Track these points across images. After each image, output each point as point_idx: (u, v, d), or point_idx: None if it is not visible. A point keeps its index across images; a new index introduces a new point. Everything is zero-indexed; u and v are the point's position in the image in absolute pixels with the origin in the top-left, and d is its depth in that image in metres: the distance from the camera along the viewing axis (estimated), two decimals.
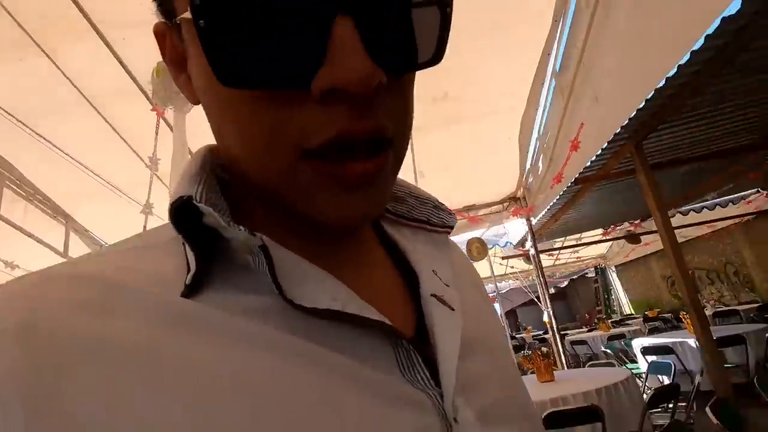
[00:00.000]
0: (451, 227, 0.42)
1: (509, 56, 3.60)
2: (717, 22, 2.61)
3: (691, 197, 6.47)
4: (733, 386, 3.14)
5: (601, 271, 14.19)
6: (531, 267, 7.00)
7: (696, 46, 2.63)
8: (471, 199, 5.68)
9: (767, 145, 4.57)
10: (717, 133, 4.35)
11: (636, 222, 7.64)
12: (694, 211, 7.53)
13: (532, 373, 3.36)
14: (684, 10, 2.06)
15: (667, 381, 4.43)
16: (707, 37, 2.60)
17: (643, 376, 4.10)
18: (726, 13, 2.48)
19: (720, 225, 8.39)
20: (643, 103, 3.18)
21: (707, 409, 1.76)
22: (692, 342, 4.30)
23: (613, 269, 13.72)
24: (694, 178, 5.80)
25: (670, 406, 2.59)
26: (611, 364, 4.53)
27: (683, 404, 2.93)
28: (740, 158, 4.78)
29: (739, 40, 2.62)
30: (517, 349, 8.07)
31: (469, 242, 5.43)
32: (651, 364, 4.03)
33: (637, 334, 7.36)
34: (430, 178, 4.98)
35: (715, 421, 1.69)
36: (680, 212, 7.39)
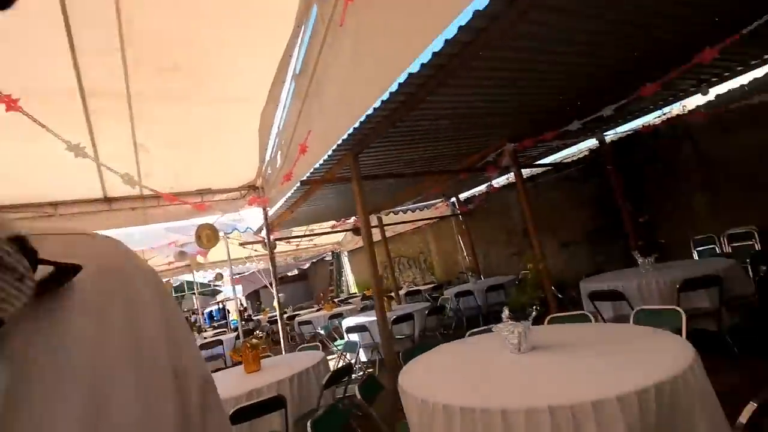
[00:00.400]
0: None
1: (256, 46, 3.52)
2: (417, 65, 3.28)
3: (399, 201, 8.05)
4: (399, 353, 4.10)
5: (336, 256, 16.01)
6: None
7: (393, 88, 3.22)
8: (206, 183, 5.35)
9: (447, 172, 6.09)
10: (413, 156, 5.53)
11: (354, 218, 8.98)
12: (402, 211, 9.44)
13: None
14: (387, 53, 2.47)
15: (362, 357, 5.41)
16: (403, 81, 3.22)
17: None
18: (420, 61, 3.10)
19: (420, 224, 10.84)
20: (359, 124, 3.67)
21: (356, 387, 2.20)
22: None
23: (346, 254, 15.73)
24: (400, 187, 7.24)
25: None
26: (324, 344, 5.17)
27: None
28: (429, 177, 6.24)
29: (426, 87, 3.35)
30: (249, 332, 8.19)
31: (199, 228, 5.11)
32: (346, 343, 4.82)
33: (353, 312, 8.66)
34: (158, 155, 4.41)
35: (358, 396, 2.13)
36: (393, 211, 9.12)
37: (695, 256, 5.88)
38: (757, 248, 5.21)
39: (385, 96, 3.35)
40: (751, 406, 1.25)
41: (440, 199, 10.05)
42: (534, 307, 2.21)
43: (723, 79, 5.44)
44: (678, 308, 2.51)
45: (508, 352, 2.23)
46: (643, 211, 6.74)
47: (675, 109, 6.10)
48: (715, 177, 5.87)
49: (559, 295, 4.87)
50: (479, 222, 9.86)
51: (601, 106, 3.90)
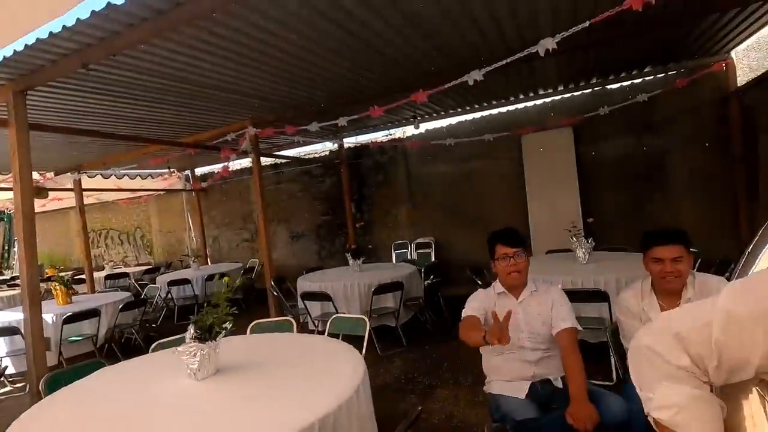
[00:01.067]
0: None
1: None
2: None
3: (109, 162, 6.42)
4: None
5: (8, 219, 11.70)
6: None
7: (83, 15, 2.34)
8: None
9: (171, 143, 5.16)
10: (128, 114, 4.41)
11: (47, 175, 6.72)
12: (116, 176, 7.61)
13: None
14: None
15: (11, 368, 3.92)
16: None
17: None
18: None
19: (141, 194, 9.06)
20: (23, 47, 2.53)
21: None
22: (47, 318, 4.03)
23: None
24: (114, 147, 5.76)
25: None
26: None
27: None
28: (153, 145, 5.16)
29: (139, 31, 2.57)
30: None
31: None
32: None
33: (17, 302, 6.39)
34: None
35: None
36: (102, 174, 7.22)
37: (394, 258, 7.05)
38: (432, 257, 6.65)
39: (71, 21, 2.40)
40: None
41: (171, 170, 8.69)
42: (225, 328, 1.93)
43: (432, 119, 6.74)
44: (364, 318, 2.73)
45: (185, 377, 1.88)
46: (363, 214, 7.65)
47: (398, 132, 7.16)
48: (417, 195, 7.22)
49: (275, 293, 4.84)
50: (214, 202, 9.07)
51: (338, 116, 4.05)
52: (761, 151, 4.74)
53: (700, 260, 3.98)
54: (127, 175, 7.86)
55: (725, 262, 3.52)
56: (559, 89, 5.92)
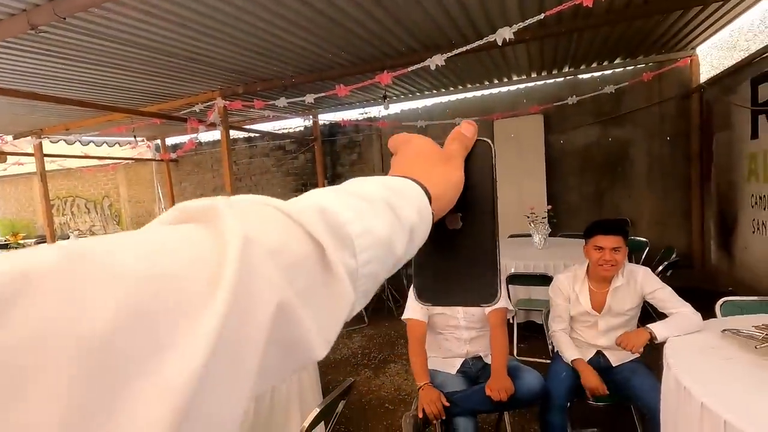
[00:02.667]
0: None
1: None
2: None
3: (72, 129, 6.20)
4: None
5: None
6: None
7: None
8: None
9: (133, 112, 5.01)
10: (87, 79, 4.26)
11: (5, 138, 6.44)
12: (81, 143, 7.36)
13: None
14: None
15: None
16: None
17: None
18: None
19: (109, 162, 8.79)
20: None
21: None
22: None
23: None
24: (81, 113, 5.57)
25: None
26: None
27: None
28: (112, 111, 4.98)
29: None
30: None
31: None
32: None
33: None
34: None
35: None
36: (65, 139, 6.97)
37: None
38: None
39: None
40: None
41: (141, 139, 8.45)
42: None
43: (408, 99, 6.73)
44: None
45: None
46: None
47: (373, 111, 7.12)
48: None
49: None
50: (186, 173, 8.89)
51: (305, 92, 4.01)
52: (715, 148, 4.95)
53: (648, 248, 4.20)
54: (93, 142, 7.60)
55: (669, 249, 3.73)
56: (532, 76, 5.98)
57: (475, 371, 1.91)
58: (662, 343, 1.67)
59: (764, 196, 3.88)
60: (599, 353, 1.95)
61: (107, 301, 0.16)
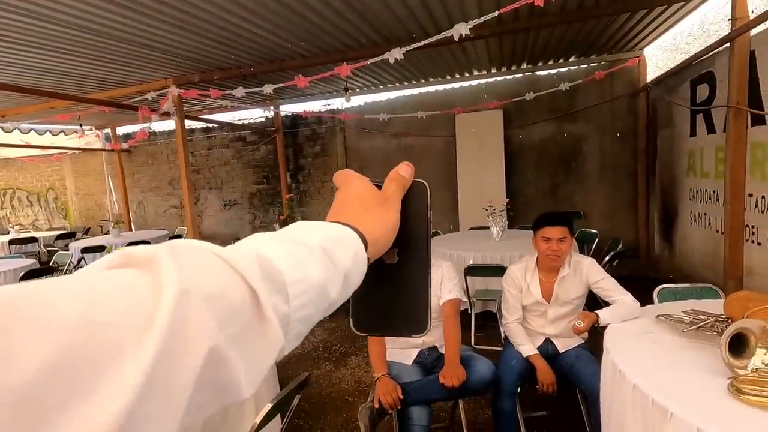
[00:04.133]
0: None
1: None
2: None
3: (9, 116, 5.76)
4: None
5: None
6: None
7: None
8: None
9: (77, 99, 4.72)
10: (29, 63, 3.97)
11: None
12: (20, 131, 6.85)
13: None
14: None
15: None
16: None
17: None
18: None
19: (51, 151, 8.24)
20: None
21: None
22: None
23: None
24: (16, 100, 5.18)
25: None
26: None
27: None
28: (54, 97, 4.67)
29: None
30: None
31: None
32: None
33: None
34: None
35: None
36: (2, 127, 6.46)
37: None
38: None
39: None
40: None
41: (89, 127, 7.97)
42: None
43: (371, 92, 6.70)
44: None
45: None
46: (299, 184, 7.55)
47: (336, 103, 7.04)
48: (353, 167, 7.20)
49: None
50: (140, 165, 8.48)
51: (265, 82, 3.91)
52: (659, 144, 5.26)
53: (598, 239, 4.42)
54: (34, 130, 7.10)
55: (616, 240, 3.94)
56: (492, 72, 6.10)
57: (430, 361, 1.96)
58: (604, 329, 1.77)
59: (700, 190, 4.17)
60: (548, 341, 2.05)
61: (35, 351, 0.17)
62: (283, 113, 7.17)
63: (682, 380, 1.32)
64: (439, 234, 4.94)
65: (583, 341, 2.06)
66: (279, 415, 1.86)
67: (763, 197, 3.15)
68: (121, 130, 8.39)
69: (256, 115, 7.57)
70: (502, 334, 2.17)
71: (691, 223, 4.40)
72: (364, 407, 1.64)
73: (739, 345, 1.39)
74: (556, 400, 2.35)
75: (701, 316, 1.62)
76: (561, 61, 5.76)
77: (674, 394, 1.23)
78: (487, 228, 4.65)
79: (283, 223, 4.80)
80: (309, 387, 2.92)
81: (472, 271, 3.23)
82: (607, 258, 3.41)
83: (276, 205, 7.67)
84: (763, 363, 1.33)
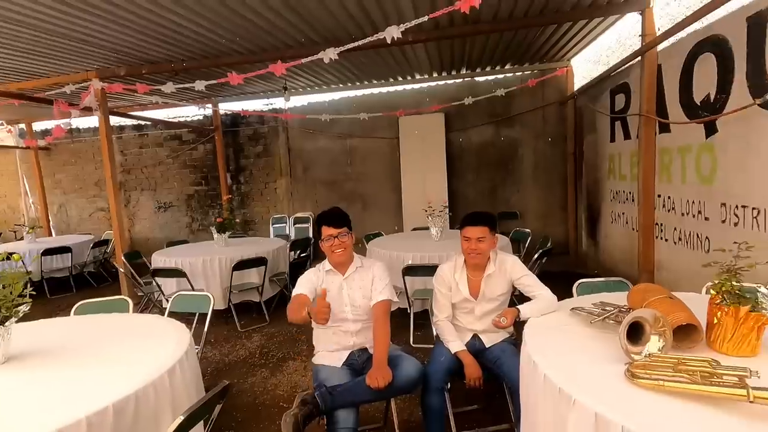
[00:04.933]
0: None
1: None
2: None
3: None
4: None
5: None
6: None
7: None
8: None
9: None
10: None
11: None
12: None
13: None
14: None
15: None
16: None
17: None
18: None
19: None
20: None
21: None
22: None
23: None
24: None
25: None
26: None
27: None
28: None
29: None
30: None
31: None
32: None
33: None
34: None
35: None
36: None
37: (271, 232, 6.89)
38: (310, 233, 6.64)
39: None
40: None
41: None
42: (16, 312, 1.70)
43: (315, 92, 6.62)
44: (209, 295, 2.65)
45: None
46: (240, 186, 7.29)
47: (279, 102, 6.88)
48: (297, 168, 7.10)
49: (126, 269, 4.38)
50: (62, 165, 7.78)
51: (195, 78, 3.74)
52: (585, 148, 5.65)
53: (530, 237, 4.65)
54: None
55: (545, 239, 4.17)
56: (433, 76, 6.25)
57: (360, 363, 1.96)
58: (525, 323, 1.86)
59: (619, 191, 4.52)
60: (475, 336, 2.12)
61: None
62: (222, 111, 6.89)
63: (587, 369, 1.41)
64: (382, 235, 4.97)
65: (509, 335, 2.15)
66: (203, 425, 1.77)
67: (669, 197, 3.47)
68: (39, 126, 7.66)
69: (192, 112, 7.22)
70: (434, 333, 2.21)
71: (612, 222, 4.75)
72: (288, 415, 1.60)
73: (637, 333, 1.51)
74: (486, 393, 2.43)
75: (608, 308, 1.74)
76: (497, 68, 6.01)
77: (579, 382, 1.31)
78: (428, 228, 4.75)
79: (220, 227, 4.60)
80: (242, 395, 2.81)
81: (409, 271, 3.27)
82: (535, 256, 3.59)
83: (216, 207, 7.35)
84: (657, 349, 1.45)
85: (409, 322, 3.50)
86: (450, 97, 6.08)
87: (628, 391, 1.25)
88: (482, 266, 2.08)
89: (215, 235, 4.68)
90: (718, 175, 2.82)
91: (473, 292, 2.09)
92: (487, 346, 2.08)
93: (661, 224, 3.61)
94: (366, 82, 6.37)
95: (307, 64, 3.56)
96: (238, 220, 6.80)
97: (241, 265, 3.94)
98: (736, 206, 2.63)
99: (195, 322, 2.61)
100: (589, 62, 5.40)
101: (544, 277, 2.51)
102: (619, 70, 4.21)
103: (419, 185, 6.29)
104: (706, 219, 2.95)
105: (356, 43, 2.72)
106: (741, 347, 1.41)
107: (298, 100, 6.77)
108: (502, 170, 6.45)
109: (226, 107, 6.86)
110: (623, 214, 4.44)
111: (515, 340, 2.15)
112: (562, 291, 2.09)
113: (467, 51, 5.03)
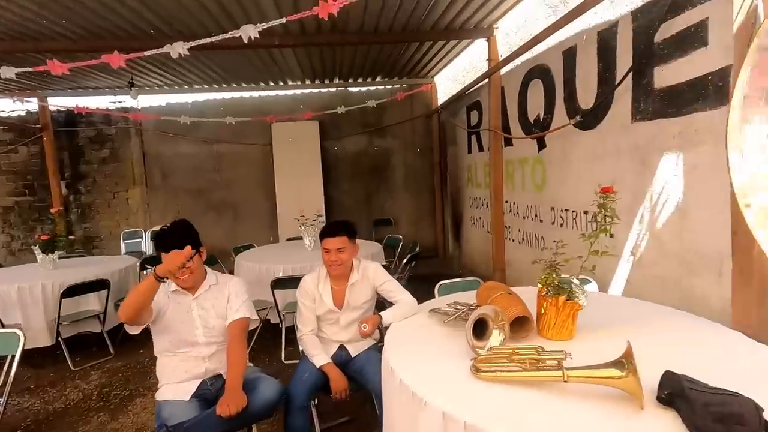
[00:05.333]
0: None
1: None
2: None
3: None
4: None
5: None
6: None
7: None
8: None
9: None
10: None
11: None
12: None
13: None
14: None
15: None
16: None
17: None
18: None
19: None
20: None
21: None
22: None
23: None
24: None
25: None
26: None
27: None
28: None
29: None
30: None
31: None
32: None
33: None
34: None
35: None
36: None
37: (123, 249, 5.97)
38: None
39: None
40: None
41: None
42: None
43: (175, 91, 5.97)
44: (17, 332, 2.12)
45: None
46: (81, 196, 6.18)
47: (131, 101, 6.04)
48: (154, 175, 6.30)
49: None
50: None
51: (5, 63, 3.03)
52: (448, 159, 6.15)
53: (402, 243, 4.85)
54: None
55: (414, 244, 4.38)
56: (306, 83, 6.17)
57: (214, 392, 1.75)
58: (387, 328, 1.87)
59: (476, 198, 5.01)
60: (341, 347, 2.08)
61: None
62: (53, 107, 5.77)
63: (440, 368, 1.46)
64: (254, 247, 4.67)
65: (375, 342, 2.16)
66: None
67: (514, 203, 3.95)
68: None
69: (9, 107, 5.90)
70: (300, 348, 2.11)
71: (472, 226, 5.24)
72: None
73: (482, 329, 1.62)
74: (357, 403, 2.41)
75: (459, 307, 1.86)
76: (369, 80, 6.20)
77: (430, 383, 1.34)
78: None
79: (46, 245, 3.78)
80: None
81: (279, 284, 3.11)
82: (404, 260, 3.74)
83: (46, 221, 6.10)
84: (498, 342, 1.57)
85: (280, 339, 3.32)
86: (324, 105, 6.06)
87: (473, 386, 1.32)
88: (346, 275, 2.06)
89: (39, 257, 3.85)
90: (547, 183, 3.30)
91: (338, 303, 2.05)
92: (353, 356, 2.06)
93: (509, 227, 4.08)
94: (235, 85, 5.99)
95: (162, 60, 3.19)
96: (74, 237, 5.74)
97: (74, 290, 3.29)
98: (561, 209, 3.09)
99: (6, 366, 2.05)
100: (449, 80, 5.91)
101: (416, 279, 2.61)
102: (472, 89, 4.68)
103: (295, 193, 6.12)
104: (541, 221, 3.42)
105: (208, 40, 2.49)
106: (562, 332, 1.62)
107: (153, 100, 6.05)
108: (377, 178, 6.66)
109: (58, 102, 5.77)
110: (480, 218, 4.93)
111: (381, 347, 2.17)
112: (428, 293, 2.18)
113: (338, 61, 5.08)
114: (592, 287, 2.46)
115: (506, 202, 4.11)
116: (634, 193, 2.30)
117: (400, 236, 4.94)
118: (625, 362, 1.15)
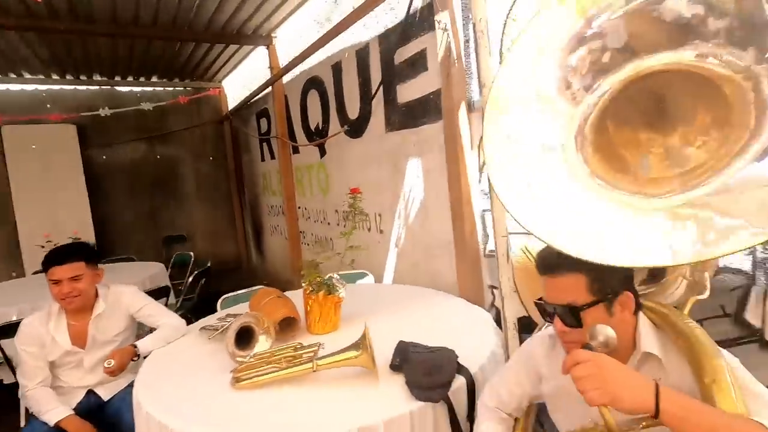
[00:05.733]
0: None
1: None
2: None
3: None
4: None
5: None
6: None
7: None
8: None
9: None
10: None
11: None
12: None
13: None
14: None
15: None
16: None
17: None
18: None
19: None
20: None
21: None
22: None
23: None
24: None
25: None
26: None
27: None
28: None
29: None
30: None
31: None
32: None
33: None
34: None
35: None
36: None
37: None
38: None
39: None
40: None
41: None
42: None
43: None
44: None
45: None
46: None
47: None
48: None
49: None
50: None
51: None
52: (244, 167, 5.94)
53: (193, 260, 4.43)
54: None
55: (203, 260, 4.04)
56: (53, 78, 5.02)
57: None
58: (146, 357, 1.66)
59: (273, 205, 4.98)
60: (90, 393, 1.74)
61: None
62: None
63: (199, 389, 1.37)
64: None
65: (134, 378, 1.89)
66: None
67: (306, 208, 4.07)
68: None
69: None
70: (22, 411, 1.67)
71: (272, 234, 5.19)
72: None
73: (250, 337, 1.60)
74: None
75: (229, 320, 1.79)
76: (142, 79, 5.46)
77: (183, 408, 1.24)
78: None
79: None
80: None
81: (8, 332, 2.41)
82: (190, 279, 3.43)
83: None
84: (267, 347, 1.57)
85: (17, 402, 2.58)
86: (81, 105, 5.04)
87: (232, 399, 1.28)
88: (89, 307, 1.73)
89: None
90: (330, 188, 3.52)
91: (78, 341, 1.70)
92: (106, 400, 1.75)
93: (304, 232, 4.19)
94: None
95: None
96: None
97: None
98: (342, 211, 3.34)
99: None
100: (238, 86, 5.70)
101: (217, 296, 2.41)
102: (259, 96, 4.63)
103: (46, 214, 4.89)
104: (328, 224, 3.62)
105: None
106: (327, 325, 1.73)
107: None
108: (163, 190, 5.91)
109: None
110: (278, 225, 4.92)
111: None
112: None
113: (92, 53, 4.30)
114: (368, 279, 2.73)
115: (299, 207, 4.21)
116: (394, 194, 2.66)
117: (191, 253, 4.50)
118: (361, 342, 1.29)
